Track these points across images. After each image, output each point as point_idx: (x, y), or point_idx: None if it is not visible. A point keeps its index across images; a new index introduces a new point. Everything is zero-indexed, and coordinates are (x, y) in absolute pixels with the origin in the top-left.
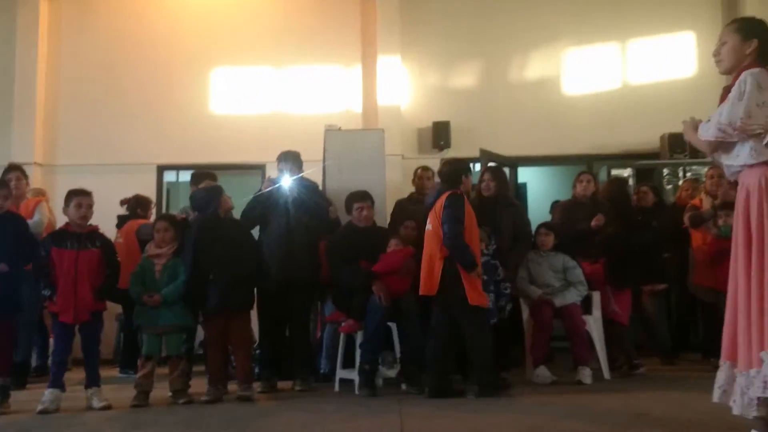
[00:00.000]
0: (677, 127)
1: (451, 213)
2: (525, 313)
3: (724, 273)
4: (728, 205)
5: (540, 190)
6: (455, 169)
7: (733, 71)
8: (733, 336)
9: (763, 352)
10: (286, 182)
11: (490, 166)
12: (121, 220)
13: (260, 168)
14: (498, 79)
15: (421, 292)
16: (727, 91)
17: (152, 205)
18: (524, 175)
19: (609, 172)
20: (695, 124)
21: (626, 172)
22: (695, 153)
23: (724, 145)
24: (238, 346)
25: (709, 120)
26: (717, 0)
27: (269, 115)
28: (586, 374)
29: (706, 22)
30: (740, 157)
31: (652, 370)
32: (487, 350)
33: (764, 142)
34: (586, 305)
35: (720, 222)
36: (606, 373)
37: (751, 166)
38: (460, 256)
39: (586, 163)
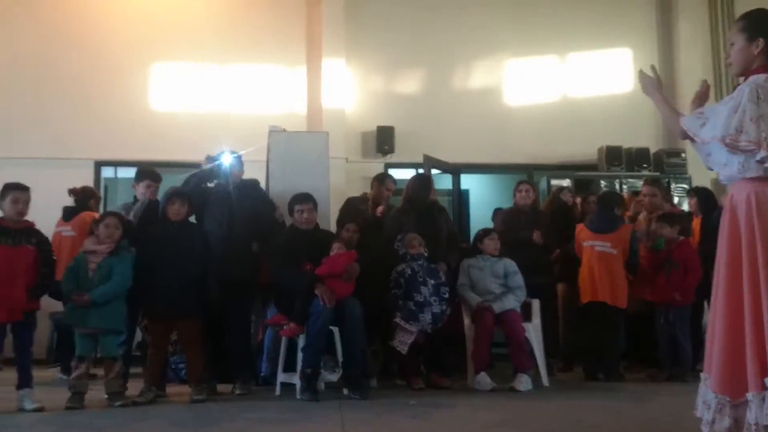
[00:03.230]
0: (614, 140)
1: (637, 247)
2: (466, 320)
3: (658, 285)
4: (663, 218)
5: (482, 197)
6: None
7: (743, 74)
8: (710, 353)
9: None
10: (227, 160)
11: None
12: (69, 212)
13: (200, 166)
14: (442, 87)
15: (609, 302)
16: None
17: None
18: (466, 182)
19: (549, 183)
20: (656, 85)
21: (565, 183)
22: (631, 166)
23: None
24: (188, 350)
25: (701, 112)
26: (653, 17)
27: (211, 113)
28: (522, 381)
29: (642, 39)
30: (728, 167)
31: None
32: None
33: (756, 158)
34: (528, 313)
35: (664, 232)
36: (545, 381)
37: (741, 179)
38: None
39: (526, 173)
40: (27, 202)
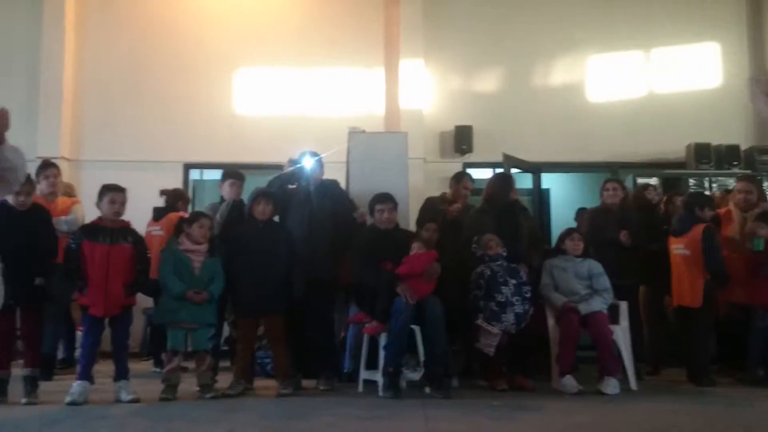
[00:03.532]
0: (702, 137)
1: (713, 245)
2: (550, 321)
3: (756, 288)
4: (762, 217)
5: (563, 197)
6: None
7: None
8: None
9: None
10: (308, 163)
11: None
12: (159, 212)
13: (282, 168)
14: (521, 84)
15: (684, 304)
16: None
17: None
18: (547, 181)
19: (635, 181)
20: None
21: (652, 181)
22: (721, 163)
23: None
24: (274, 345)
25: None
26: (742, 11)
27: (292, 115)
28: (610, 385)
29: (730, 33)
30: None
31: (676, 382)
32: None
33: None
34: (615, 315)
35: (762, 233)
36: (633, 384)
37: None
38: (723, 279)
39: (610, 171)
40: (123, 202)
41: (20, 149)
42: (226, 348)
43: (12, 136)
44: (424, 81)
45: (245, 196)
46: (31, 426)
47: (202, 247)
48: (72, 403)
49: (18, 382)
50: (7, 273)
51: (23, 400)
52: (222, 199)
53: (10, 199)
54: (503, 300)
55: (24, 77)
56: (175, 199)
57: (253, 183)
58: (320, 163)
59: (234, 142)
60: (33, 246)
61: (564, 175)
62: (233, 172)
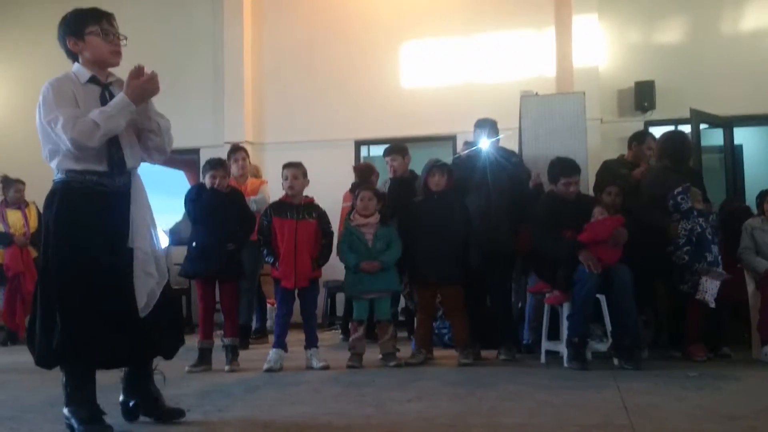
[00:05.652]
0: None
1: None
2: (750, 287)
3: None
4: None
5: (758, 153)
6: None
7: None
8: None
9: None
10: (484, 144)
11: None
12: (354, 188)
13: (451, 139)
14: (708, 32)
15: None
16: None
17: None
18: (739, 136)
19: None
20: None
21: None
22: None
23: None
24: (452, 315)
25: None
26: None
27: (460, 85)
28: None
29: None
30: None
31: None
32: None
33: None
34: None
35: None
36: None
37: None
38: None
39: None
40: (296, 176)
41: (165, 117)
42: (402, 319)
43: (201, 125)
44: (599, 36)
45: (418, 169)
46: (235, 391)
47: (371, 219)
48: (269, 370)
49: (220, 351)
50: (209, 250)
51: (226, 368)
52: None
53: (206, 182)
54: (712, 260)
55: (210, 72)
56: (367, 173)
57: (425, 155)
58: (496, 142)
59: (402, 117)
60: (229, 225)
61: (759, 129)
62: (389, 148)
